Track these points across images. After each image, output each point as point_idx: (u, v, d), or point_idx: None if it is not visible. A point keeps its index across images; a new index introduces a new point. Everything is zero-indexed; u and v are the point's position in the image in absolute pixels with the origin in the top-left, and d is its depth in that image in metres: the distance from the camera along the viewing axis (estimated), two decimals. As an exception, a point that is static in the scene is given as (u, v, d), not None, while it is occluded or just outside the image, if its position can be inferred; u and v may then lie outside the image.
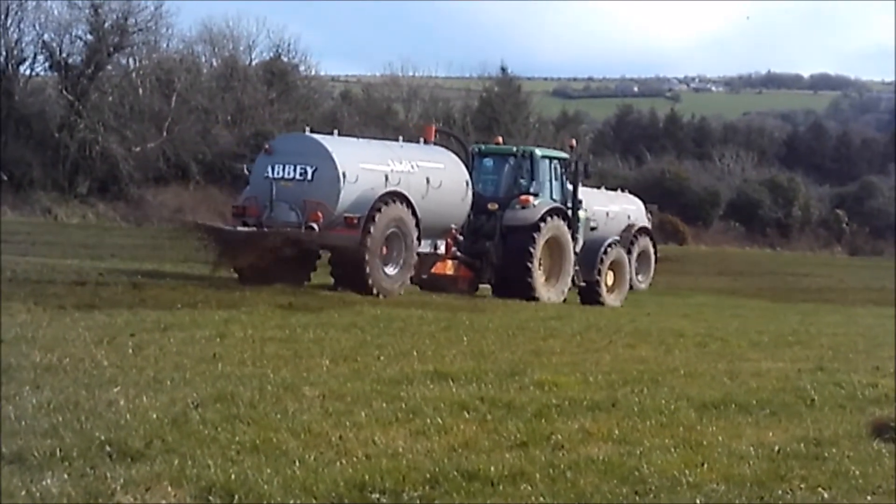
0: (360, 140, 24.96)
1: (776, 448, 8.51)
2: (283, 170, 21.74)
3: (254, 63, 66.85)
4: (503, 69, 75.20)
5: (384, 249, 21.94)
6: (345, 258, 21.65)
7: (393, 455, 7.71)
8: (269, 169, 21.93)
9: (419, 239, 22.48)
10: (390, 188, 21.99)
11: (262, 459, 7.37)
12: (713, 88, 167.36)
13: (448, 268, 24.48)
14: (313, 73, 70.53)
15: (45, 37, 56.53)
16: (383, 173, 22.19)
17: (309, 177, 21.58)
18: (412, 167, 22.85)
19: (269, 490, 6.69)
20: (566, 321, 18.75)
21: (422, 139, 24.96)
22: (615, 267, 27.31)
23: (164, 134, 57.56)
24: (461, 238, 24.39)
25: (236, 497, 6.59)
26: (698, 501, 7.08)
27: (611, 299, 26.90)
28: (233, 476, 6.85)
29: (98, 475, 6.77)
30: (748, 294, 36.02)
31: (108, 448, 7.34)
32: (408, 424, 8.76)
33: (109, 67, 58.20)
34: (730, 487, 7.39)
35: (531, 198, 25.13)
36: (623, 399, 10.31)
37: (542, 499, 6.94)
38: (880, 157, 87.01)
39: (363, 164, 22.00)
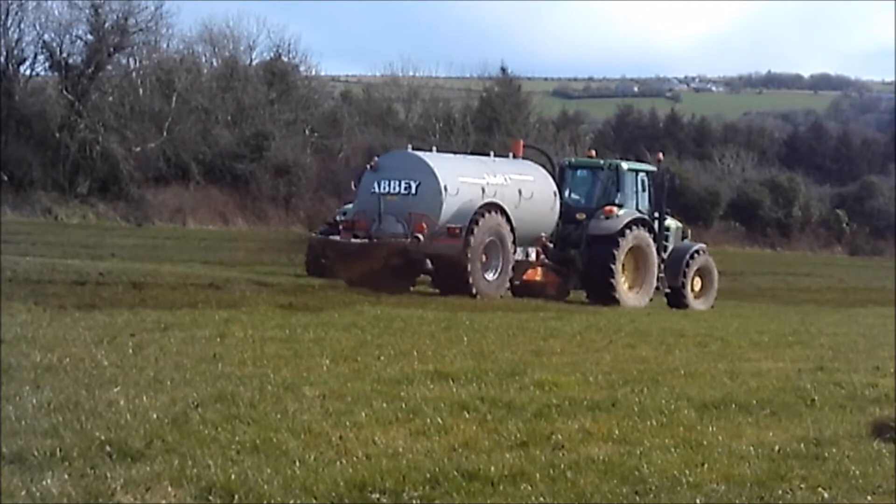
0: (457, 155, 27.62)
1: (776, 448, 8.50)
2: (389, 185, 23.67)
3: (254, 63, 66.89)
4: (503, 69, 75.29)
5: (484, 257, 23.65)
6: (448, 265, 23.18)
7: (393, 455, 7.70)
8: (376, 185, 23.82)
9: (515, 247, 24.02)
10: (487, 199, 23.65)
11: (262, 459, 7.37)
12: (713, 88, 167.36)
13: (538, 274, 25.69)
14: (313, 73, 70.66)
15: (46, 37, 56.63)
16: (480, 186, 23.88)
17: (413, 191, 23.43)
18: (505, 180, 24.49)
19: (269, 490, 6.69)
20: (566, 321, 18.75)
21: (511, 154, 26.50)
22: (702, 273, 27.97)
23: (165, 134, 57.57)
24: (551, 246, 25.64)
25: (236, 497, 6.59)
26: (698, 501, 7.08)
27: (698, 304, 27.47)
28: (233, 476, 6.85)
29: (98, 475, 6.77)
30: (748, 294, 35.97)
31: (108, 448, 7.33)
32: (408, 424, 8.75)
33: (110, 67, 58.23)
34: (730, 487, 7.39)
35: (615, 208, 25.98)
36: (623, 399, 10.31)
37: (542, 499, 6.93)
38: (880, 157, 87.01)
39: (462, 178, 23.71)
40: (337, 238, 24.68)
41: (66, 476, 6.70)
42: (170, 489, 6.65)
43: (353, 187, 29.11)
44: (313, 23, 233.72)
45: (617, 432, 8.81)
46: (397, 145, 58.66)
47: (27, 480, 6.58)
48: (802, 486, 7.53)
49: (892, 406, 10.54)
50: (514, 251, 24.21)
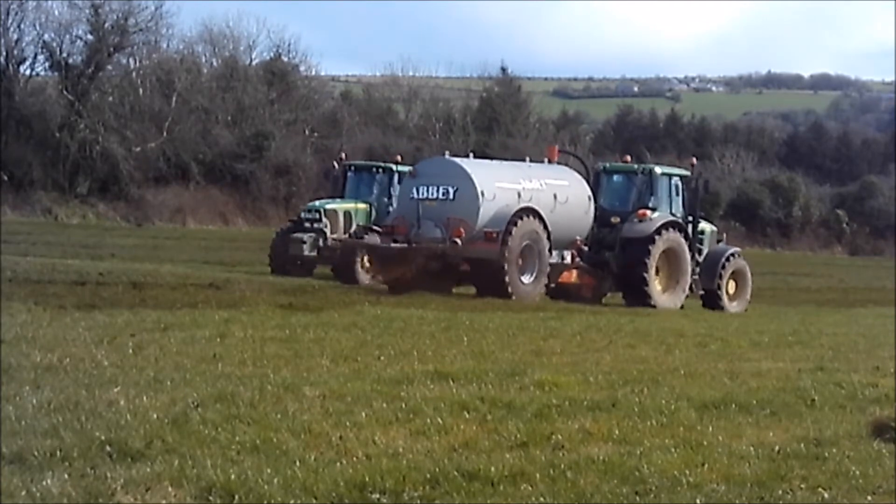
0: (494, 161, 28.24)
1: (776, 448, 8.50)
2: (428, 191, 24.36)
3: (254, 63, 66.93)
4: (503, 69, 75.38)
5: (520, 260, 24.24)
6: (486, 269, 23.71)
7: (393, 455, 7.70)
8: (415, 190, 24.57)
9: (550, 250, 24.59)
10: (523, 204, 24.22)
11: (262, 459, 7.37)
12: (713, 88, 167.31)
13: (573, 277, 26.15)
14: (313, 73, 70.72)
15: (46, 37, 56.67)
16: (516, 191, 24.49)
17: (451, 196, 24.11)
18: (541, 185, 25.09)
19: (269, 490, 6.69)
20: (566, 321, 18.74)
21: (546, 159, 27.31)
22: (737, 276, 28.32)
23: (165, 134, 57.58)
24: (586, 249, 26.15)
25: (236, 497, 6.59)
26: (698, 501, 7.08)
27: (733, 306, 27.80)
28: (233, 476, 6.85)
29: (98, 475, 6.77)
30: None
31: (108, 448, 7.33)
32: (408, 424, 8.75)
33: (110, 67, 58.25)
34: (730, 487, 7.39)
35: (649, 212, 26.39)
36: (623, 399, 10.30)
37: (542, 499, 6.93)
38: (880, 157, 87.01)
39: (498, 184, 24.34)
40: (377, 243, 25.61)
41: (66, 476, 6.70)
42: (170, 489, 6.65)
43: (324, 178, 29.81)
44: (313, 23, 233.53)
45: (617, 432, 8.81)
46: (397, 145, 58.91)
47: (27, 480, 6.58)
48: (802, 486, 7.53)
49: (892, 406, 10.53)
50: (550, 254, 24.78)
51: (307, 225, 29.20)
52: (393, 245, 24.19)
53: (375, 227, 28.13)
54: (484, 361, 12.52)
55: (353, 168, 31.49)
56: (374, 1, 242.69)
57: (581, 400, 10.08)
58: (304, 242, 28.55)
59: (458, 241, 23.58)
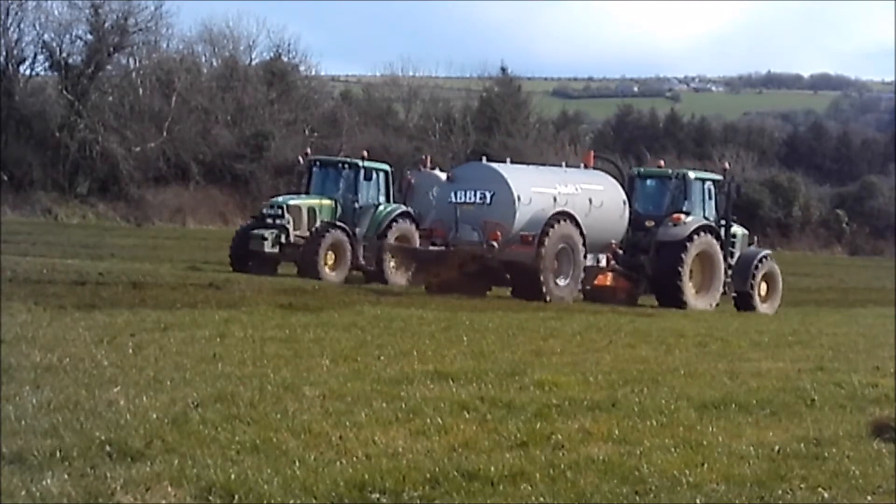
0: (530, 166, 28.62)
1: (776, 448, 8.51)
2: (465, 195, 24.86)
3: (254, 63, 66.88)
4: (503, 69, 75.29)
5: (556, 263, 24.68)
6: (522, 272, 24.18)
7: (393, 455, 7.71)
8: (452, 195, 25.07)
9: (586, 253, 25.00)
10: (559, 208, 24.71)
11: (262, 459, 7.37)
12: (713, 88, 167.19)
13: (608, 279, 26.52)
14: (313, 73, 70.63)
15: (45, 37, 56.64)
16: (552, 195, 24.93)
17: (488, 200, 24.61)
18: (576, 189, 25.55)
19: (269, 490, 6.69)
20: (566, 321, 18.75)
21: (582, 164, 27.75)
22: (768, 278, 28.64)
23: (164, 134, 57.55)
24: (620, 252, 26.51)
25: (236, 497, 6.59)
26: (698, 501, 7.08)
27: (764, 308, 28.03)
28: (233, 476, 6.86)
29: (98, 475, 6.77)
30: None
31: (108, 448, 7.34)
32: (408, 424, 8.76)
33: (109, 67, 58.23)
34: (730, 487, 7.39)
35: (683, 216, 26.75)
36: (623, 399, 10.31)
37: (542, 499, 6.94)
38: (880, 157, 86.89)
39: (535, 188, 24.81)
40: (415, 246, 26.35)
41: (66, 476, 6.70)
42: (170, 489, 6.66)
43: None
44: (313, 23, 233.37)
45: (617, 432, 8.82)
46: (397, 145, 58.86)
47: (27, 480, 6.59)
48: (802, 486, 7.53)
49: (892, 406, 10.55)
50: (585, 258, 25.15)
51: (269, 221, 28.30)
52: (431, 248, 24.79)
53: (339, 224, 28.19)
54: (484, 361, 12.52)
55: (318, 163, 30.59)
56: (374, 1, 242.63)
57: (581, 400, 10.09)
58: (266, 239, 27.77)
59: (495, 244, 23.93)
